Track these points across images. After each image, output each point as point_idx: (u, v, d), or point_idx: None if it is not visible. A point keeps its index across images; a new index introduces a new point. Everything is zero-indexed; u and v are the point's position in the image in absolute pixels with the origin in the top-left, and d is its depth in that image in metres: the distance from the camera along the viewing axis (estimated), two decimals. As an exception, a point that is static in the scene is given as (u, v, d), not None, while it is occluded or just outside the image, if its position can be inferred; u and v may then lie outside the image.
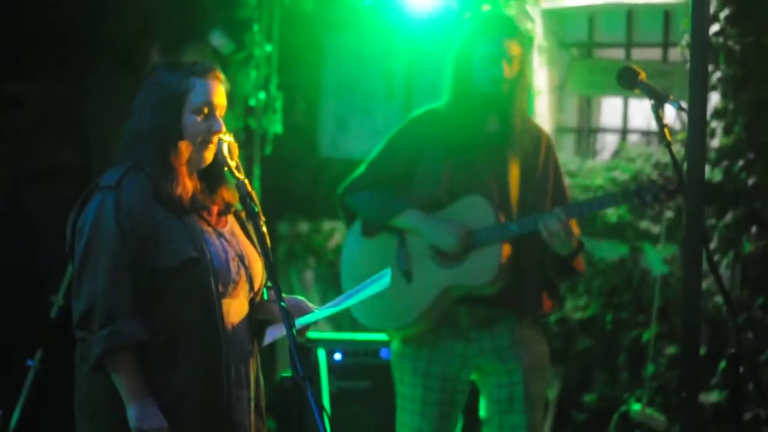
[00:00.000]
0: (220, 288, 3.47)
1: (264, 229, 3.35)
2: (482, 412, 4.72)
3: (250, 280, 3.58)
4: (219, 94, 3.53)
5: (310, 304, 3.63)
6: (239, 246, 3.58)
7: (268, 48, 7.42)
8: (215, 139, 3.50)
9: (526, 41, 4.79)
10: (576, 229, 4.58)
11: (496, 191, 4.62)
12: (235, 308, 3.53)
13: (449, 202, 4.64)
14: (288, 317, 3.24)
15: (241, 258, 3.56)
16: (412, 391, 4.68)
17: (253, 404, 3.59)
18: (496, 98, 4.63)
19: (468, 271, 4.57)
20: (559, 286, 4.86)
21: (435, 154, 4.66)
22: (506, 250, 4.57)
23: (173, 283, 3.42)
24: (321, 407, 3.15)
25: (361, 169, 4.80)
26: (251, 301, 3.61)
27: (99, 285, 3.38)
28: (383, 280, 3.56)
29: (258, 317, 3.63)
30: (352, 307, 4.66)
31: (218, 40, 7.41)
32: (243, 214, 3.65)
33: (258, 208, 3.38)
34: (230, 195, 3.60)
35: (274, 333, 3.63)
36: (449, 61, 4.74)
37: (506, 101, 4.65)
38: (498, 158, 4.65)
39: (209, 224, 3.54)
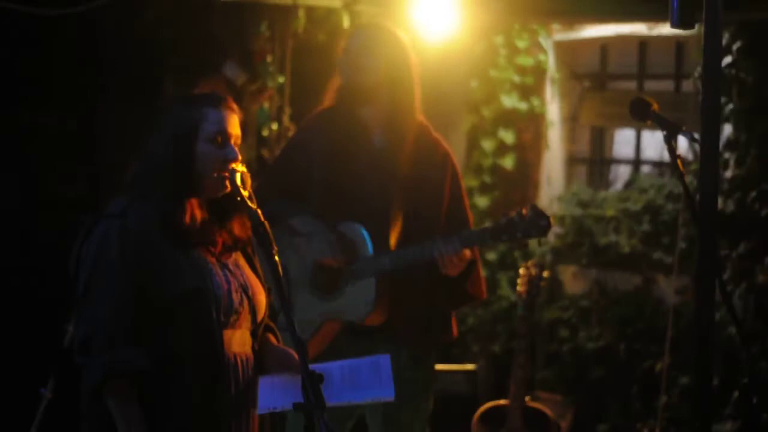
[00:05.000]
0: (222, 318, 3.47)
1: (276, 258, 3.34)
2: None
3: (253, 312, 3.57)
4: (233, 124, 3.53)
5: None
6: (243, 277, 3.58)
7: (281, 79, 7.45)
8: (230, 167, 3.49)
9: (401, 52, 4.68)
10: (467, 252, 4.42)
11: (377, 217, 4.51)
12: (237, 338, 3.53)
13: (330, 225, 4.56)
14: (301, 346, 3.22)
15: (245, 289, 3.55)
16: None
17: None
18: (366, 96, 4.56)
19: (344, 305, 4.51)
20: (449, 318, 4.68)
21: (320, 169, 4.59)
22: (383, 282, 4.48)
23: (175, 313, 3.42)
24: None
25: (261, 179, 4.71)
26: (254, 333, 3.61)
27: (101, 312, 3.38)
28: (388, 391, 3.52)
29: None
30: None
31: (231, 71, 7.44)
32: (249, 249, 3.65)
33: (270, 238, 3.37)
34: (240, 230, 3.59)
35: (270, 401, 3.54)
36: None
37: (393, 109, 4.58)
38: (384, 176, 4.55)
39: (213, 255, 3.53)
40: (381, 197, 4.53)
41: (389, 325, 4.52)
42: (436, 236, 4.44)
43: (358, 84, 4.60)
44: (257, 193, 4.59)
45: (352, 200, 4.55)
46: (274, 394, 3.49)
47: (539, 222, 4.33)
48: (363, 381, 3.56)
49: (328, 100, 4.72)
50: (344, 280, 4.51)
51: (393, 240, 4.51)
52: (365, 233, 4.49)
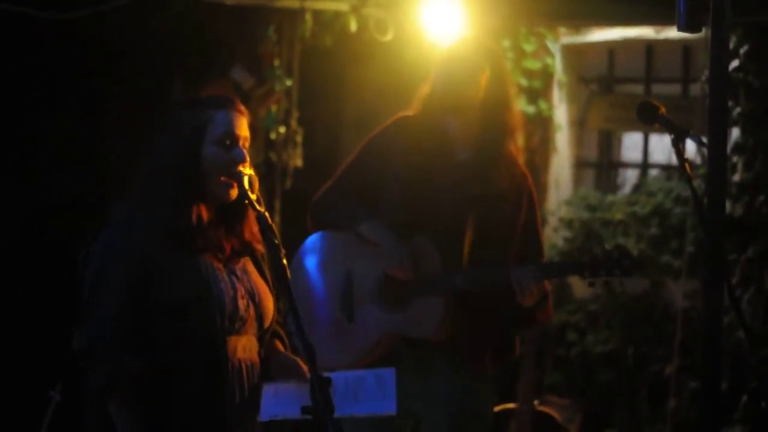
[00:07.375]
0: (227, 324, 3.45)
1: (284, 262, 3.32)
2: None
3: (260, 318, 3.55)
4: (241, 126, 3.49)
5: (305, 368, 3.51)
6: (250, 283, 3.55)
7: (289, 83, 7.46)
8: (238, 170, 3.44)
9: (501, 70, 4.53)
10: (546, 283, 4.29)
11: (451, 234, 4.36)
12: (243, 344, 3.51)
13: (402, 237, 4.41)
14: (310, 351, 3.20)
15: (251, 295, 3.53)
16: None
17: None
18: (458, 106, 4.43)
19: (410, 320, 4.35)
20: (514, 339, 4.54)
21: (397, 178, 4.44)
22: (451, 302, 4.33)
23: (178, 319, 3.40)
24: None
25: (333, 180, 4.58)
26: (261, 339, 3.59)
27: (104, 318, 3.37)
28: (390, 405, 3.50)
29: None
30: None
31: (239, 75, 7.44)
32: (259, 255, 3.62)
33: (278, 242, 3.35)
34: (250, 234, 3.56)
35: (273, 408, 3.52)
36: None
37: (483, 125, 4.46)
38: (462, 195, 4.41)
39: (220, 260, 3.51)
40: (456, 213, 4.39)
41: (450, 342, 4.36)
42: (512, 263, 4.35)
43: (455, 95, 4.44)
44: (327, 194, 4.53)
45: (428, 213, 4.41)
46: (278, 402, 3.47)
47: (623, 262, 4.17)
48: (366, 393, 3.53)
49: (413, 107, 4.56)
50: (411, 295, 4.36)
51: (464, 259, 4.38)
52: (436, 249, 4.36)
